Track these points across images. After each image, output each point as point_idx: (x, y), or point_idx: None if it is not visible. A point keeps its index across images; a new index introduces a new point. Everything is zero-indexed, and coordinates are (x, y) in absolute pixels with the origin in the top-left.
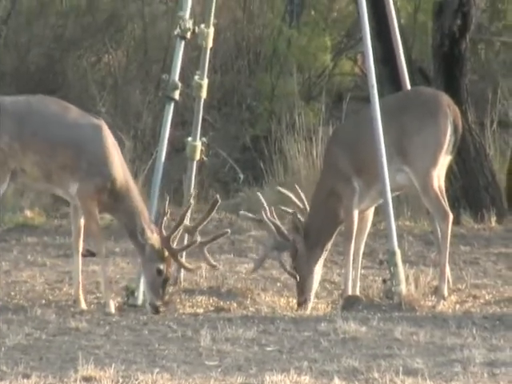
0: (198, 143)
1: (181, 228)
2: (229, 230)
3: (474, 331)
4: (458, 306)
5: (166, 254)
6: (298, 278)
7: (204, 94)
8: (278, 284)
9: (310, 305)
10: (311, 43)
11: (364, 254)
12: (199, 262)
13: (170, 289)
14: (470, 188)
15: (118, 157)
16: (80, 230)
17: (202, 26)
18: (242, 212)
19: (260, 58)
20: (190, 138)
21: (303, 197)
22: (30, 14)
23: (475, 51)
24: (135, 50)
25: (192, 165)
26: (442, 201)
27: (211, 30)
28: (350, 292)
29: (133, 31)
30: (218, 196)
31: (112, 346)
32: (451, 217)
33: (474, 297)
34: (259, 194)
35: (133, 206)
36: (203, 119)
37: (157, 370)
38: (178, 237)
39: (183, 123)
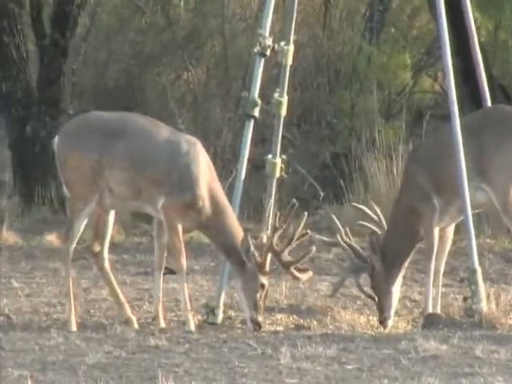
0: (278, 160)
1: (293, 243)
2: (314, 248)
3: None
4: None
5: (267, 267)
6: (376, 299)
7: (284, 111)
8: (358, 302)
9: (390, 323)
10: (391, 60)
11: (444, 272)
12: (280, 280)
13: None
14: None
15: (210, 175)
16: (163, 247)
17: (282, 43)
18: (317, 236)
19: (340, 75)
20: (269, 156)
21: (379, 212)
22: (108, 31)
23: None
24: (215, 67)
25: (272, 182)
26: None
27: (291, 48)
28: (430, 310)
29: (213, 48)
30: (294, 200)
31: (192, 364)
32: None
33: None
34: (333, 216)
35: (227, 225)
36: (283, 136)
37: None
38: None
39: (263, 141)
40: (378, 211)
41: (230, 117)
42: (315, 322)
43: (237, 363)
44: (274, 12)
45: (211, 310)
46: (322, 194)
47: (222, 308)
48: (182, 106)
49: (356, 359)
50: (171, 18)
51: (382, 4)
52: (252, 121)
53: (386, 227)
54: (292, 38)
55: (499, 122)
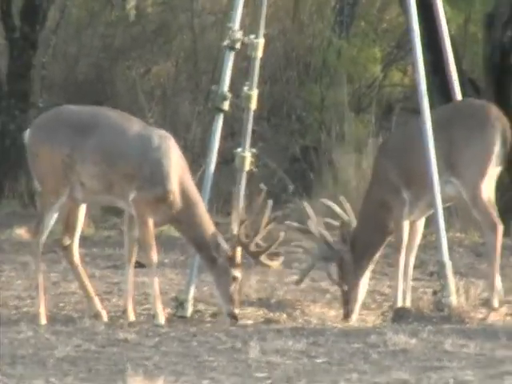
0: (248, 154)
1: (261, 232)
2: (282, 234)
3: None
4: (508, 318)
5: (238, 260)
6: (345, 288)
7: (253, 104)
8: (328, 296)
9: (355, 316)
10: (361, 54)
11: (414, 265)
12: (250, 274)
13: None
14: None
15: (181, 170)
16: (134, 241)
17: (252, 36)
18: (287, 222)
19: (310, 69)
20: (239, 149)
21: (349, 208)
22: (78, 24)
23: None
24: (185, 60)
25: (241, 176)
26: (492, 212)
27: (261, 41)
28: (400, 304)
29: (182, 42)
30: (262, 184)
31: (161, 358)
32: (501, 228)
33: None
34: (306, 204)
35: (198, 220)
36: (252, 130)
37: (206, 381)
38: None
39: (232, 134)
40: (348, 207)
41: (199, 110)
42: (285, 316)
43: (206, 357)
44: (243, 6)
45: (181, 304)
46: (291, 187)
47: (191, 301)
48: (152, 99)
49: (325, 353)
50: (141, 11)
51: None
52: (221, 114)
53: (355, 222)
54: (262, 31)
55: (468, 115)
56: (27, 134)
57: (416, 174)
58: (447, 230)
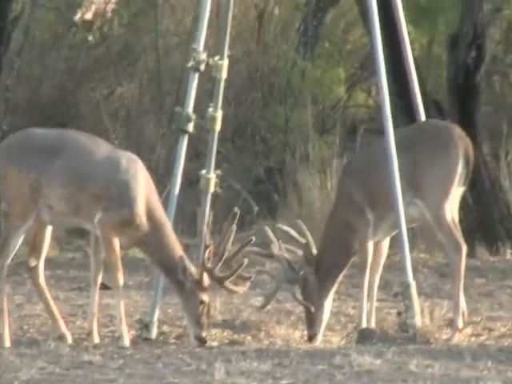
0: (212, 176)
1: (223, 258)
2: (246, 260)
3: (489, 364)
4: (473, 339)
5: (206, 284)
6: (312, 308)
7: (218, 126)
8: (292, 317)
9: (320, 338)
10: (325, 75)
11: (379, 286)
12: (215, 295)
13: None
14: (484, 220)
15: (149, 193)
16: (100, 263)
17: (216, 58)
18: (250, 249)
19: (274, 90)
20: (203, 171)
21: (306, 231)
22: (42, 47)
23: (490, 83)
24: (148, 82)
25: (206, 197)
26: (455, 233)
27: (225, 62)
28: (364, 325)
29: (146, 63)
30: (236, 208)
31: (126, 380)
32: (465, 249)
33: (489, 329)
34: (267, 228)
35: (165, 243)
36: (217, 151)
37: None
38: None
39: (197, 155)
40: (305, 230)
41: (163, 132)
42: (249, 337)
43: (171, 379)
44: (207, 27)
45: (145, 326)
46: (256, 208)
47: (156, 323)
48: (116, 121)
49: (290, 374)
50: (104, 33)
51: (316, 18)
52: (186, 136)
53: (313, 246)
54: (226, 52)
55: (432, 136)
56: None
57: (380, 194)
58: (411, 251)
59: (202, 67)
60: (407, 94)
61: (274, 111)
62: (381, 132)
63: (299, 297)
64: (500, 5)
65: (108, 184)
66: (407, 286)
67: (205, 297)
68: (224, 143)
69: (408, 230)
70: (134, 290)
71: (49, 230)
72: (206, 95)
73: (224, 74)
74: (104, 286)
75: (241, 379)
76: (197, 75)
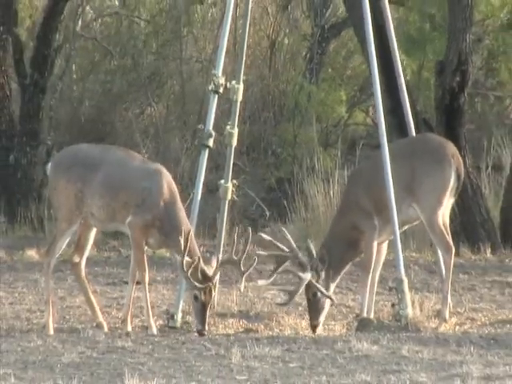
0: (230, 185)
1: (245, 253)
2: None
3: (472, 349)
4: (457, 328)
5: (201, 281)
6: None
7: (235, 141)
8: (300, 308)
9: (320, 327)
10: (329, 97)
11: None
12: (232, 289)
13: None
14: (468, 224)
15: (170, 198)
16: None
17: (233, 82)
18: (258, 252)
19: (284, 110)
20: (222, 181)
21: (290, 239)
22: (81, 72)
23: (472, 104)
24: (174, 103)
25: (224, 204)
26: (446, 236)
27: (241, 86)
28: (364, 315)
29: (172, 87)
30: (250, 229)
31: (154, 363)
32: (454, 250)
33: (472, 319)
34: (284, 229)
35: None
36: (234, 164)
37: (193, 383)
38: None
39: (216, 167)
40: (290, 238)
41: (187, 147)
42: (262, 326)
43: (194, 362)
44: (226, 54)
45: (171, 316)
46: (267, 213)
47: (180, 314)
48: (146, 137)
49: (298, 358)
50: (136, 60)
51: (320, 47)
52: (207, 150)
53: (296, 253)
54: (242, 77)
55: (429, 150)
56: (48, 168)
57: (384, 201)
58: (404, 250)
59: (221, 90)
60: (400, 113)
61: (284, 128)
62: (378, 147)
63: (324, 291)
64: (481, 36)
65: (135, 192)
66: (400, 282)
67: (197, 292)
68: (240, 156)
69: (401, 232)
70: (161, 284)
71: (93, 232)
72: (224, 114)
73: (240, 96)
74: (136, 282)
75: (255, 362)
76: (216, 97)
